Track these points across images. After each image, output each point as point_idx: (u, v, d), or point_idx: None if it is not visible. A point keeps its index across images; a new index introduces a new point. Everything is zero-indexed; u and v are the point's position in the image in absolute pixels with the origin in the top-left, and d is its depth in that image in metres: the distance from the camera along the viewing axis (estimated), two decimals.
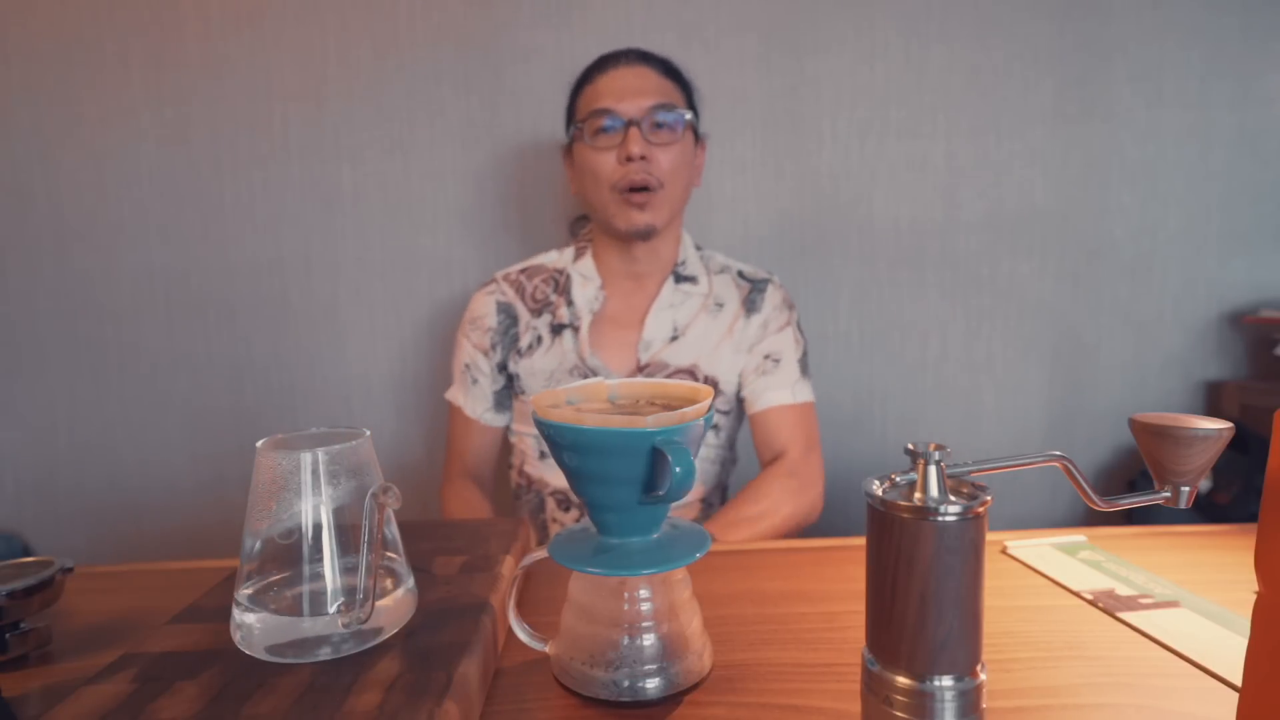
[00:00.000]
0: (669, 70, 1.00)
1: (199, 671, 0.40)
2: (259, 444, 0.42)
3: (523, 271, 1.07)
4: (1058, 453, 0.36)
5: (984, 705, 0.35)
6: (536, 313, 1.03)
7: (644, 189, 0.94)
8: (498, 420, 1.06)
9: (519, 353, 1.02)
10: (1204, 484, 1.31)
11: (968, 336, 1.42)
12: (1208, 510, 1.29)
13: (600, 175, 0.95)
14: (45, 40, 1.27)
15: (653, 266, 1.03)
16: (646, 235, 0.97)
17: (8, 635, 0.48)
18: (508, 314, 1.04)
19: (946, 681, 0.34)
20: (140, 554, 1.36)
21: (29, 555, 0.77)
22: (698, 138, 1.02)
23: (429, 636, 0.43)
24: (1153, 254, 1.42)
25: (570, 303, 1.02)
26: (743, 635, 0.52)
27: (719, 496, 1.07)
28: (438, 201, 1.34)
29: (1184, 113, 1.38)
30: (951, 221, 1.39)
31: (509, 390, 1.06)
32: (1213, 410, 1.44)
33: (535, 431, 0.94)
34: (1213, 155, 1.40)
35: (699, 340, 1.01)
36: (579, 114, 0.99)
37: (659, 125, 0.95)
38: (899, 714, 0.35)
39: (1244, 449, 1.28)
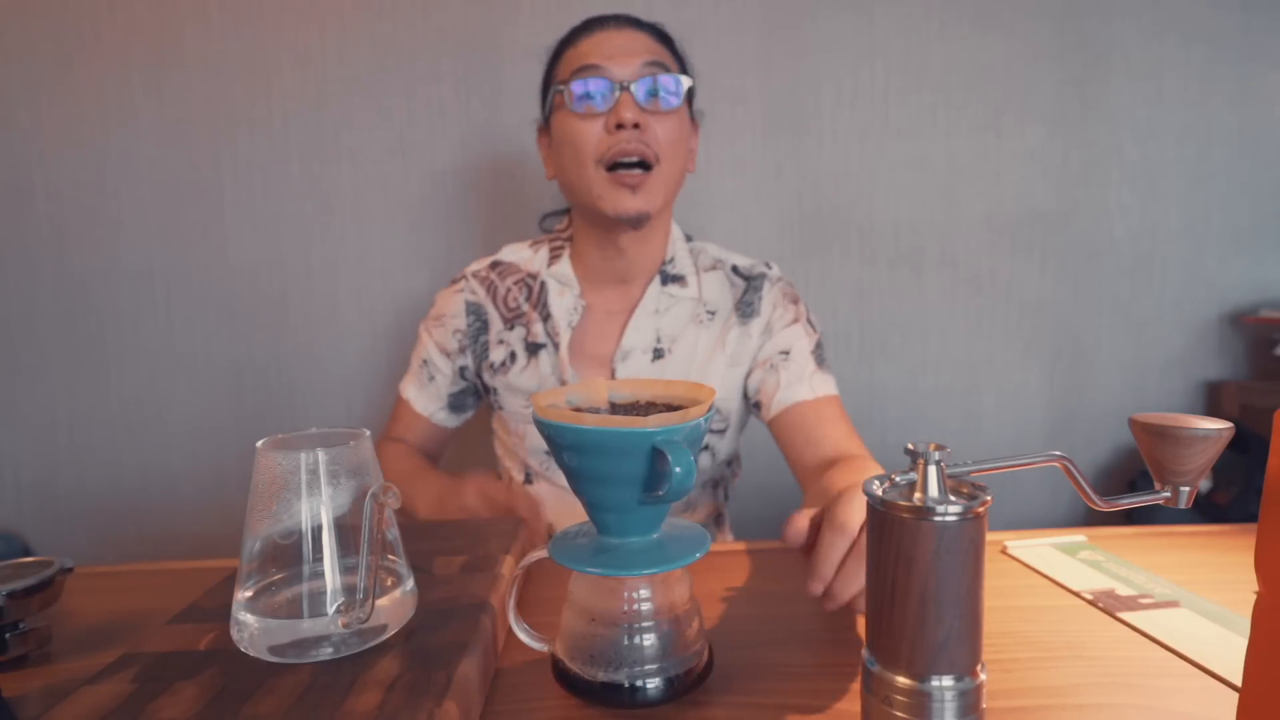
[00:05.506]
0: (663, 36, 0.87)
1: (199, 671, 0.40)
2: (259, 444, 0.42)
3: (493, 268, 0.95)
4: (1058, 453, 0.36)
5: (984, 705, 0.35)
6: (509, 323, 0.92)
7: (638, 165, 0.80)
8: (449, 421, 0.98)
9: (492, 368, 0.93)
10: (1204, 484, 1.31)
11: (968, 336, 1.42)
12: (1208, 510, 1.29)
13: (583, 148, 0.80)
14: (45, 40, 1.27)
15: (639, 266, 0.90)
16: (638, 223, 0.83)
17: (8, 635, 0.48)
18: (477, 315, 0.93)
19: (946, 681, 0.34)
20: (140, 554, 1.36)
21: (29, 555, 0.77)
22: (692, 117, 0.89)
23: (429, 636, 0.43)
24: (1153, 254, 1.42)
25: (547, 316, 0.91)
26: (743, 635, 0.52)
27: (714, 521, 0.98)
28: (438, 201, 1.34)
29: (1184, 113, 1.38)
30: (951, 221, 1.39)
31: (466, 395, 0.98)
32: (1213, 410, 1.44)
33: (519, 459, 0.94)
34: (1213, 155, 1.40)
35: (687, 356, 0.89)
36: (559, 75, 0.85)
37: (654, 91, 0.81)
38: (899, 714, 0.35)
39: (1244, 449, 1.28)
